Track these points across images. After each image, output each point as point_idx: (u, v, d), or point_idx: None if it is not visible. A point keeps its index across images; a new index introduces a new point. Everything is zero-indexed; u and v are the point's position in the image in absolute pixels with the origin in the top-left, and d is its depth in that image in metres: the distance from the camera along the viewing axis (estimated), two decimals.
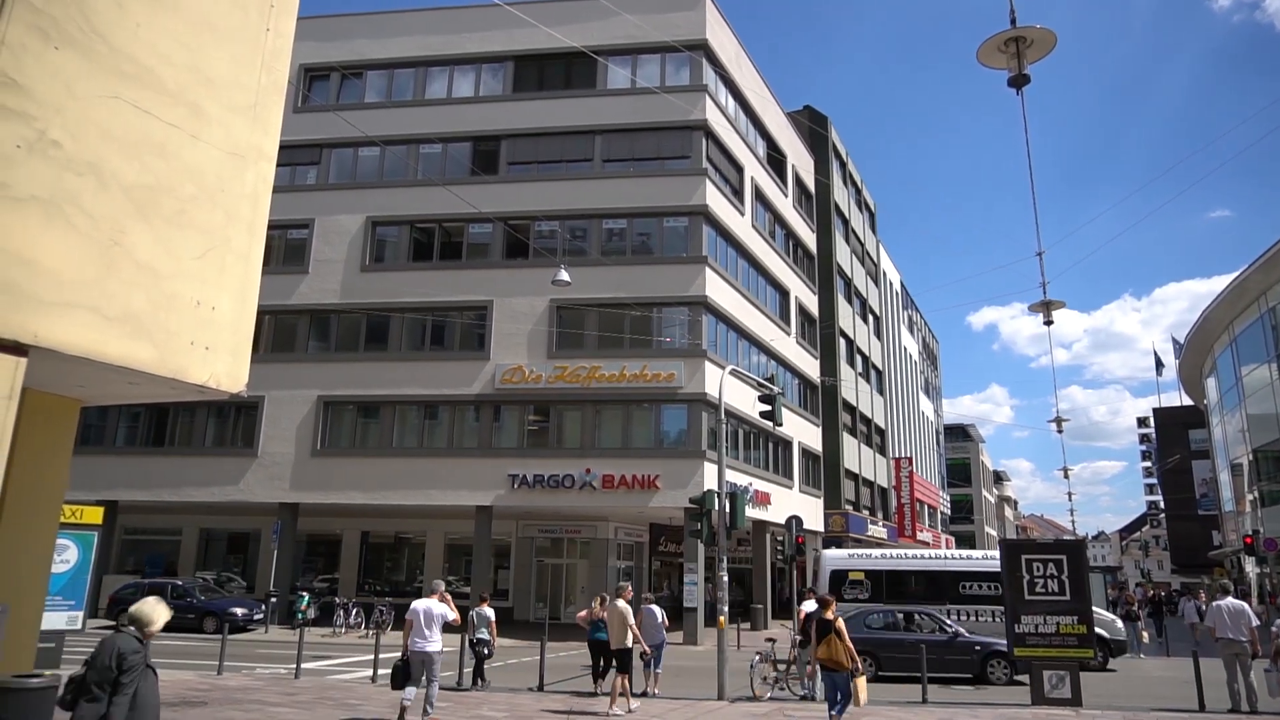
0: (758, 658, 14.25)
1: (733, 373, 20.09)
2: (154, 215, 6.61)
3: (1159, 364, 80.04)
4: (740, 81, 32.30)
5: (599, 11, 28.08)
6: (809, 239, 40.61)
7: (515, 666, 17.51)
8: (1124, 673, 19.13)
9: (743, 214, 31.46)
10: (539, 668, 14.61)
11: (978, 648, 17.14)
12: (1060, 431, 36.53)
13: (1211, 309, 37.24)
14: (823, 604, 10.85)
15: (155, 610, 5.91)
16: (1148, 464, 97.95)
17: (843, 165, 47.41)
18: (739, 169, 31.68)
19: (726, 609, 15.17)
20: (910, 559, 23.02)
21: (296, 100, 30.45)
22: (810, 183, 41.52)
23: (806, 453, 36.87)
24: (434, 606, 11.24)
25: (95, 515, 12.85)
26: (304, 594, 26.42)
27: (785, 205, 37.16)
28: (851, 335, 44.92)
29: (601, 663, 13.79)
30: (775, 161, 36.55)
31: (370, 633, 23.12)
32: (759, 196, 33.75)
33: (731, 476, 24.78)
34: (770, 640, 15.55)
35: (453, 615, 11.42)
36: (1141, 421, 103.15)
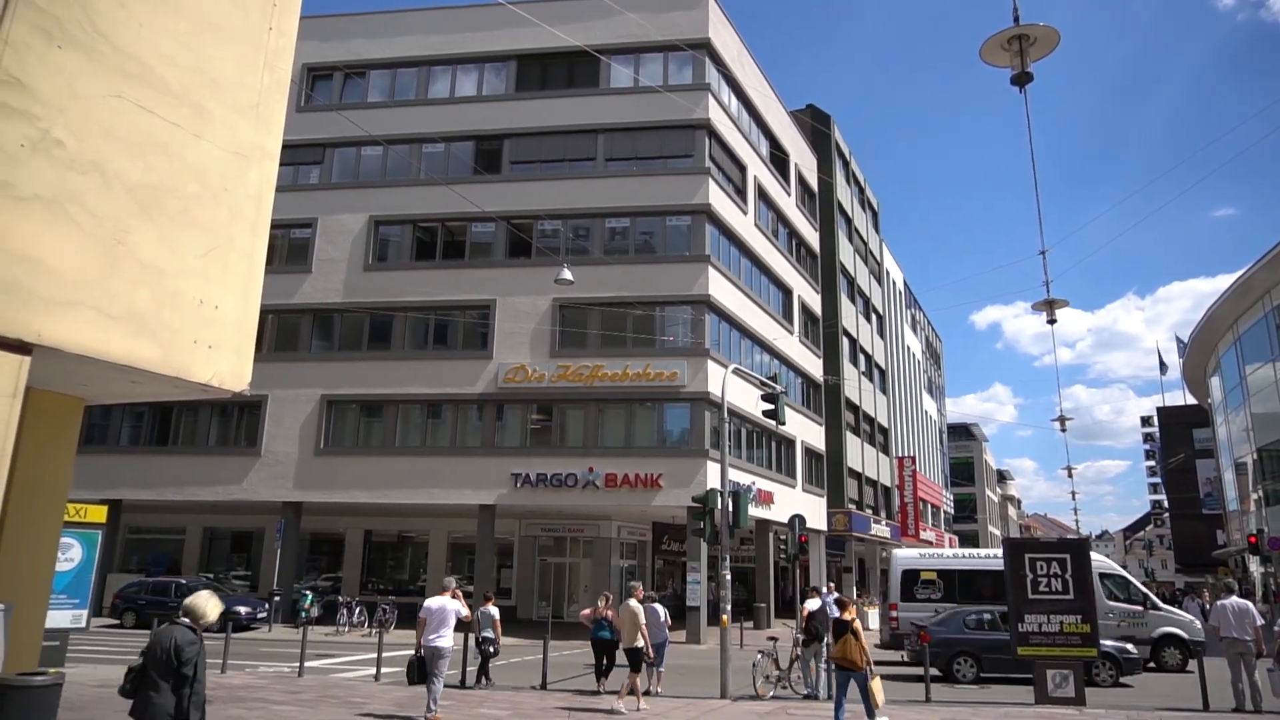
0: (760, 656, 14.25)
1: (735, 372, 20.08)
2: (157, 214, 6.62)
3: (1162, 363, 79.95)
4: (743, 80, 32.29)
5: (601, 10, 28.08)
6: (812, 238, 40.58)
7: (518, 665, 17.52)
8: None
9: (745, 213, 31.45)
10: (542, 666, 14.61)
11: None
12: (1064, 430, 36.47)
13: (1216, 308, 37.15)
14: (841, 605, 10.93)
15: (208, 604, 6.09)
16: (1151, 463, 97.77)
17: (845, 164, 47.37)
18: (742, 168, 31.67)
19: (729, 608, 15.17)
20: (981, 559, 22.59)
21: (299, 100, 30.48)
22: (813, 181, 41.49)
23: (809, 452, 36.86)
24: (446, 604, 11.47)
25: (99, 514, 12.85)
26: (307, 593, 26.47)
27: (788, 204, 37.13)
28: (854, 334, 44.88)
29: (605, 661, 13.81)
30: (778, 160, 36.53)
31: (373, 631, 23.16)
32: (762, 195, 33.74)
33: (734, 475, 24.77)
34: (772, 639, 15.55)
35: (465, 612, 11.72)
36: (1145, 420, 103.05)
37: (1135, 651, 17.04)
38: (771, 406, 17.93)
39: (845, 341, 42.96)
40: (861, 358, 46.06)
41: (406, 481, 27.02)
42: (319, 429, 28.13)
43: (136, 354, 6.39)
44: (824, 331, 40.59)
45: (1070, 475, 56.54)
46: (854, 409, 43.64)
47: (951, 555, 23.62)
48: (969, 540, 71.89)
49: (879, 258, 53.82)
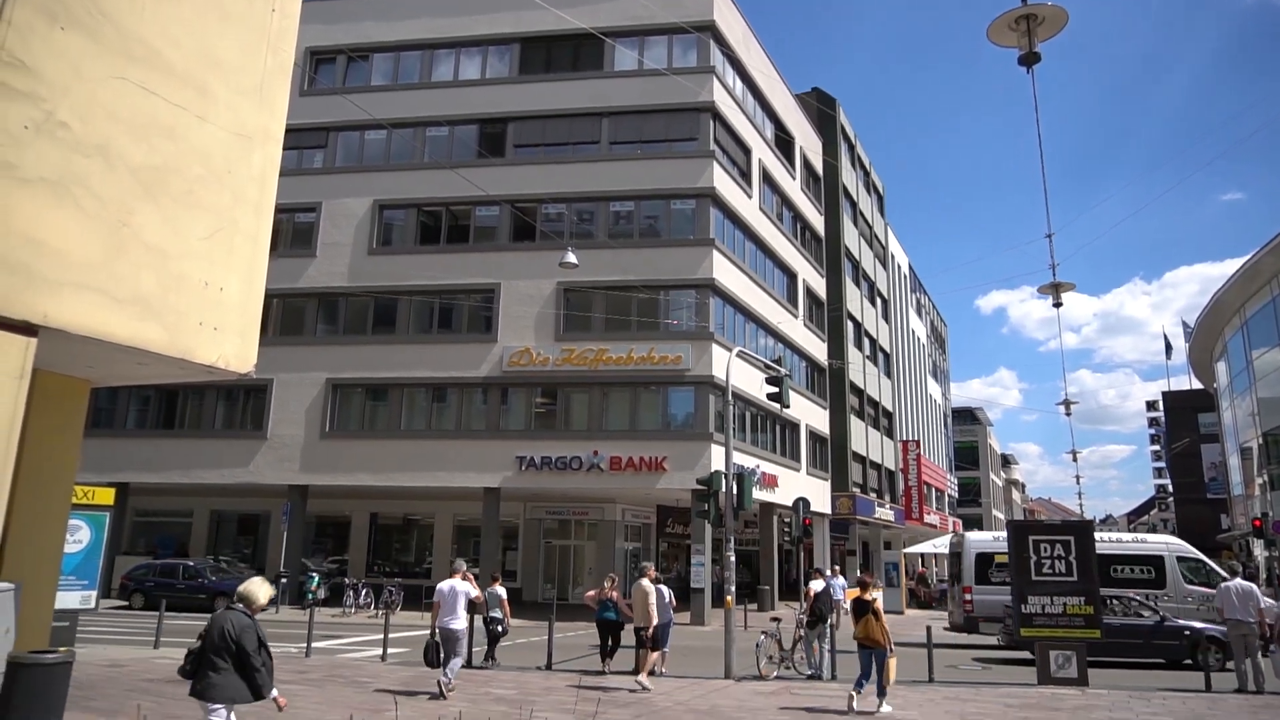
0: (764, 637, 14.34)
1: (740, 355, 20.08)
2: (162, 196, 6.63)
3: (1169, 348, 79.65)
4: (748, 63, 32.11)
5: None
6: (817, 221, 40.45)
7: (524, 646, 17.63)
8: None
9: (750, 196, 31.34)
10: (547, 647, 14.72)
11: (1187, 633, 16.39)
12: (1069, 414, 36.48)
13: (1222, 292, 37.01)
14: (862, 585, 11.34)
15: (260, 589, 6.37)
16: (1156, 447, 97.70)
17: (851, 148, 47.14)
18: (746, 151, 31.53)
19: (733, 589, 15.24)
20: None
21: (302, 83, 30.39)
22: (818, 165, 41.30)
23: (814, 435, 36.89)
24: (458, 585, 11.86)
25: (107, 496, 12.95)
26: (314, 574, 26.63)
27: (793, 187, 37.00)
28: (859, 318, 44.81)
29: (609, 642, 13.92)
30: (783, 143, 36.37)
31: (380, 613, 23.31)
32: (766, 179, 33.62)
33: (738, 458, 24.81)
34: (776, 620, 15.63)
35: (475, 593, 12.17)
36: (1150, 405, 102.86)
37: None
38: (776, 389, 17.95)
39: (850, 325, 42.90)
40: (866, 342, 46.01)
41: (411, 464, 27.13)
42: (324, 412, 28.23)
43: (142, 336, 6.42)
44: (829, 315, 40.53)
45: (1075, 459, 56.67)
46: (858, 393, 43.64)
47: None
48: (973, 524, 71.97)
49: (884, 241, 53.64)
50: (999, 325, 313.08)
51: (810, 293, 38.28)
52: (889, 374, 51.01)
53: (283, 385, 28.41)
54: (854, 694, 10.72)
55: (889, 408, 50.22)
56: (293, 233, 29.95)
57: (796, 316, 35.66)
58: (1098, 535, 24.92)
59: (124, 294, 6.28)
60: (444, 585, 11.86)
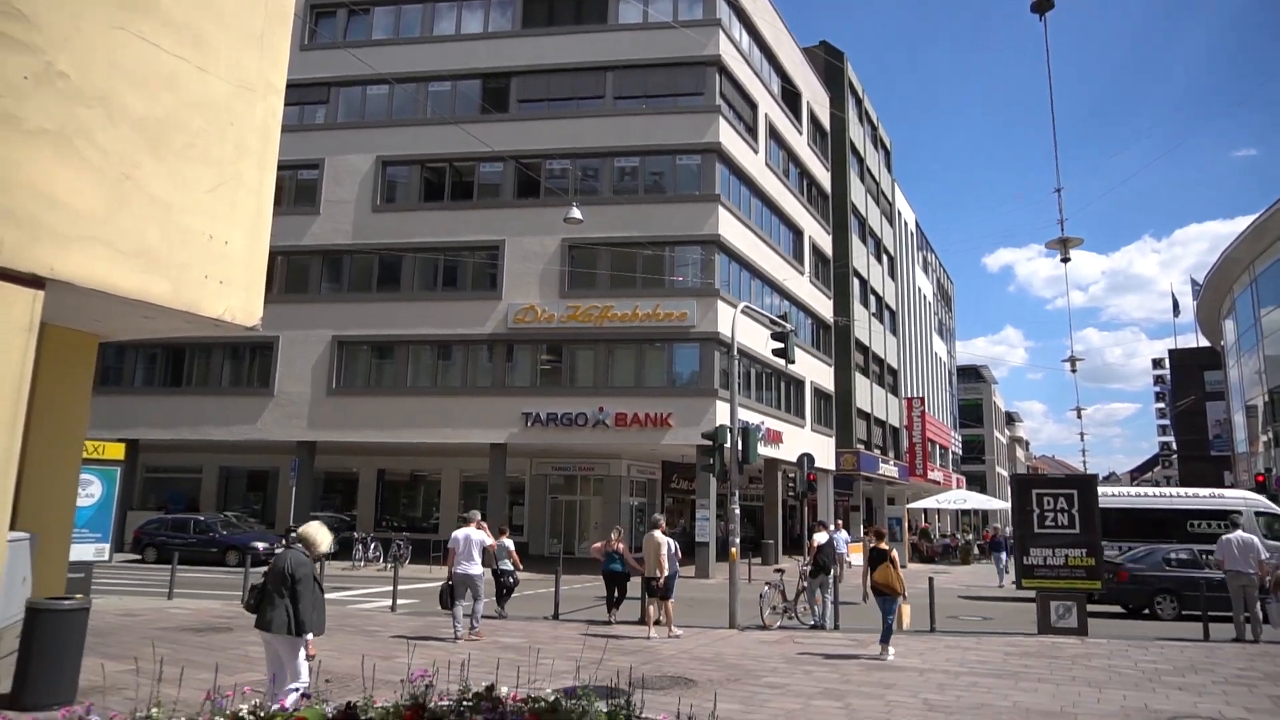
0: (767, 588, 14.53)
1: (745, 311, 20.06)
2: (164, 149, 6.61)
3: (1176, 306, 79.29)
4: (754, 15, 31.59)
5: None
6: (823, 177, 40.09)
7: (531, 597, 17.90)
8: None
9: (756, 152, 31.05)
10: (554, 598, 14.96)
11: None
12: (1074, 371, 36.50)
13: (1232, 249, 36.71)
14: (878, 536, 11.93)
15: (319, 533, 6.77)
16: (1161, 405, 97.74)
17: (859, 102, 46.53)
18: (753, 106, 31.17)
19: (738, 540, 15.43)
20: (1140, 497, 22.38)
21: (303, 37, 30.03)
22: (825, 120, 40.83)
23: (819, 392, 36.97)
24: (473, 534, 12.56)
25: (117, 451, 13.10)
26: None
27: (799, 143, 36.62)
28: (865, 275, 44.61)
29: (616, 593, 14.14)
30: (790, 98, 35.92)
31: (388, 566, 23.64)
32: (773, 134, 33.26)
33: (743, 414, 24.89)
34: (779, 571, 15.82)
35: (489, 541, 13.09)
36: (1156, 363, 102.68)
37: None
38: (781, 345, 17.95)
39: (856, 282, 42.73)
40: (872, 299, 45.87)
41: (418, 421, 27.31)
42: (330, 370, 28.36)
43: (148, 289, 6.44)
44: (834, 272, 40.36)
45: (1079, 416, 56.81)
46: (864, 350, 43.62)
47: (1112, 494, 23.23)
48: (976, 481, 72.37)
49: (891, 198, 53.19)
50: (1006, 283, 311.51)
51: (816, 249, 38.08)
52: (894, 331, 50.93)
53: (289, 343, 28.51)
54: (881, 644, 11.16)
55: (894, 365, 50.22)
56: (296, 190, 29.81)
57: (802, 273, 35.53)
58: (1177, 491, 24.95)
59: (129, 247, 6.29)
60: (459, 533, 12.56)
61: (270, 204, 7.73)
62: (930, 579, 15.15)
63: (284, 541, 25.81)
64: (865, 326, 43.53)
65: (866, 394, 43.44)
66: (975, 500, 48.03)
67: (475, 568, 12.34)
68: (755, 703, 8.38)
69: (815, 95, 39.57)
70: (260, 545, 24.58)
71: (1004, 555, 25.38)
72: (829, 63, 42.67)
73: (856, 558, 29.37)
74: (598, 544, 14.54)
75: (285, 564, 6.52)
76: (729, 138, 28.31)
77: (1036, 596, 13.83)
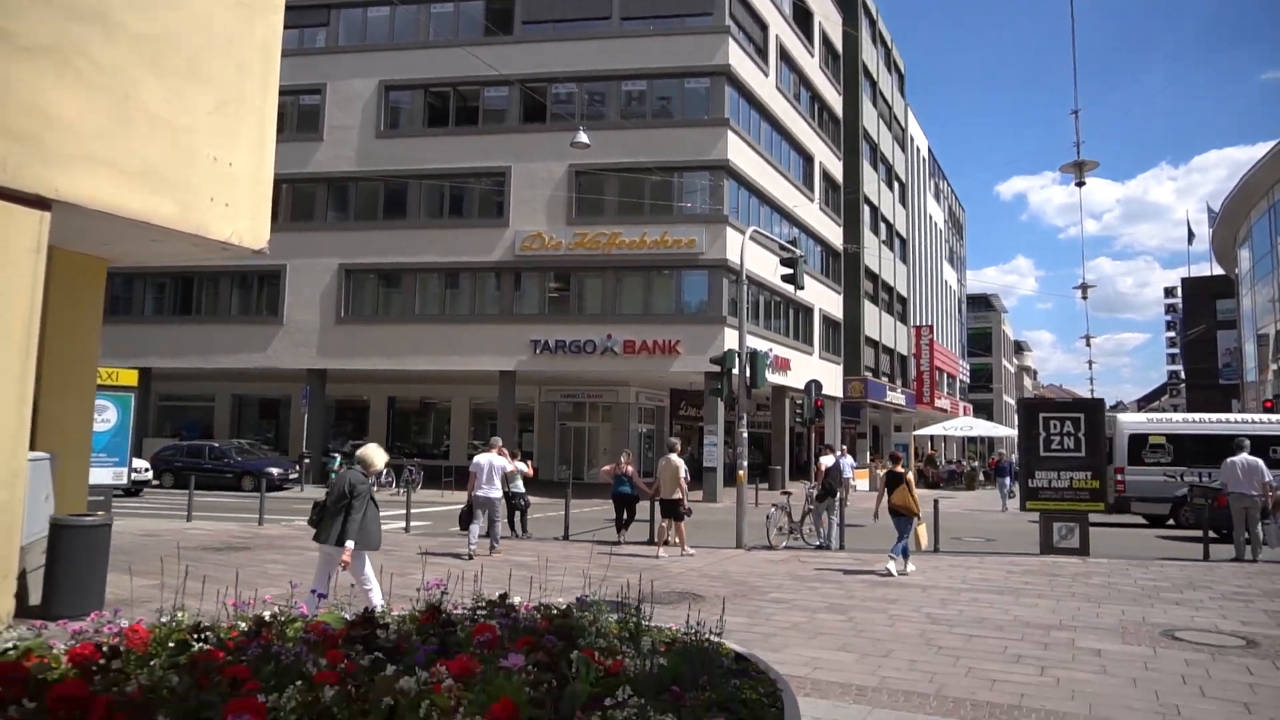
0: (774, 509, 14.76)
1: (754, 237, 19.89)
2: (164, 67, 6.51)
3: (1191, 232, 78.33)
4: None
5: None
6: (835, 102, 39.27)
7: (541, 520, 18.22)
8: (1135, 527, 19.66)
9: (766, 75, 30.37)
10: (564, 520, 15.25)
11: None
12: (1085, 298, 36.31)
13: (1252, 174, 36.01)
14: (894, 459, 12.52)
15: (376, 454, 7.23)
16: (1172, 334, 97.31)
17: (872, 23, 45.28)
18: (763, 27, 30.37)
19: (746, 464, 15.62)
20: (1211, 423, 21.79)
21: None
22: (838, 42, 39.77)
23: (827, 320, 36.91)
24: (494, 459, 13.08)
25: (130, 377, 13.21)
26: (335, 455, 27.40)
27: (811, 66, 35.77)
28: (876, 202, 44.06)
29: (624, 515, 14.41)
30: (802, 18, 34.96)
31: (401, 491, 24.04)
32: (784, 56, 32.48)
33: (752, 342, 24.78)
34: (786, 493, 16.05)
35: (510, 466, 13.69)
36: (1169, 291, 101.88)
37: None
38: (790, 272, 17.85)
39: (866, 209, 42.23)
40: (882, 226, 45.39)
41: (427, 349, 27.43)
42: (339, 298, 28.40)
43: (154, 210, 6.42)
44: (845, 199, 39.85)
45: (1089, 344, 56.69)
46: (873, 278, 43.37)
47: (1182, 420, 23.02)
48: (983, 409, 72.60)
49: (904, 124, 52.18)
50: (1018, 212, 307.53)
51: (827, 176, 37.55)
52: (904, 259, 50.54)
53: (296, 271, 28.49)
54: (891, 558, 11.42)
55: (903, 293, 49.98)
56: (298, 116, 29.40)
57: (812, 200, 35.10)
58: (1257, 417, 24.50)
59: (133, 168, 6.25)
60: (480, 459, 13.06)
61: (273, 126, 7.64)
62: (935, 501, 15.35)
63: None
64: (875, 254, 43.19)
65: (875, 322, 43.35)
66: (981, 427, 48.32)
67: (495, 491, 12.88)
68: (761, 616, 8.60)
69: (828, 15, 38.49)
70: (274, 471, 25.02)
71: (1008, 481, 25.66)
72: None
73: (861, 483, 29.78)
74: (607, 466, 14.77)
75: (344, 483, 6.96)
76: (738, 60, 27.67)
77: (1040, 517, 14.02)
